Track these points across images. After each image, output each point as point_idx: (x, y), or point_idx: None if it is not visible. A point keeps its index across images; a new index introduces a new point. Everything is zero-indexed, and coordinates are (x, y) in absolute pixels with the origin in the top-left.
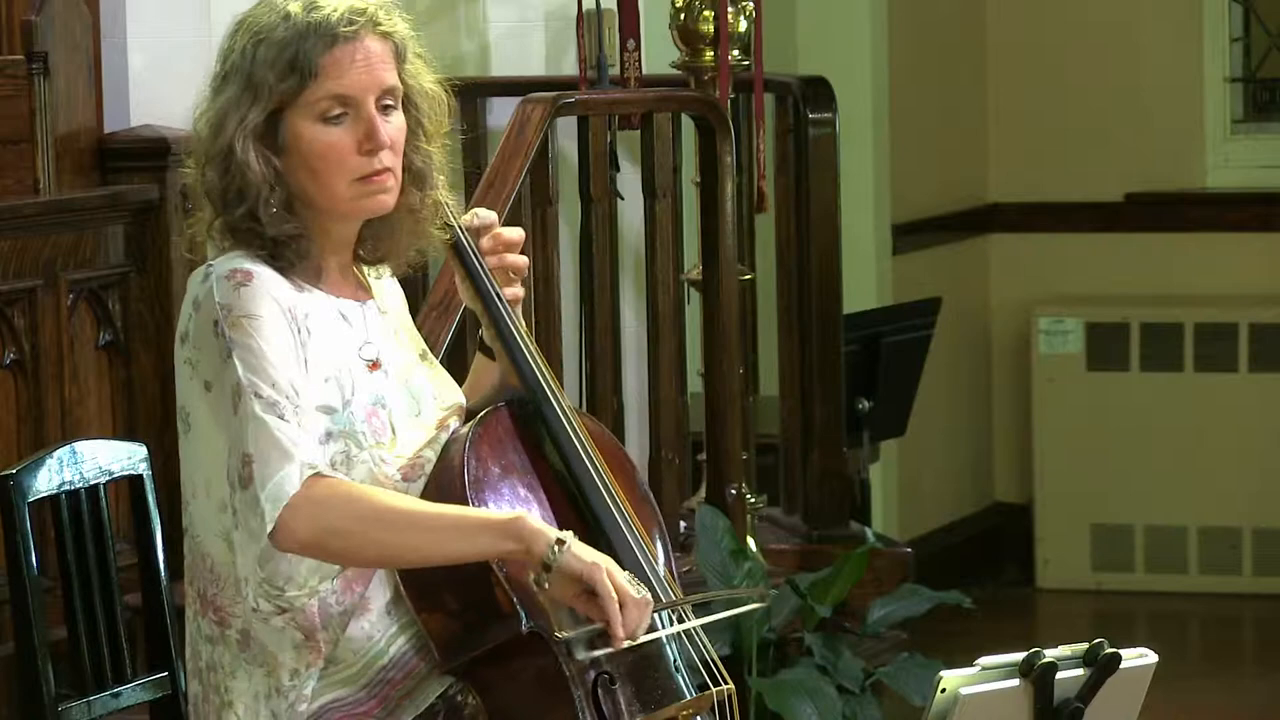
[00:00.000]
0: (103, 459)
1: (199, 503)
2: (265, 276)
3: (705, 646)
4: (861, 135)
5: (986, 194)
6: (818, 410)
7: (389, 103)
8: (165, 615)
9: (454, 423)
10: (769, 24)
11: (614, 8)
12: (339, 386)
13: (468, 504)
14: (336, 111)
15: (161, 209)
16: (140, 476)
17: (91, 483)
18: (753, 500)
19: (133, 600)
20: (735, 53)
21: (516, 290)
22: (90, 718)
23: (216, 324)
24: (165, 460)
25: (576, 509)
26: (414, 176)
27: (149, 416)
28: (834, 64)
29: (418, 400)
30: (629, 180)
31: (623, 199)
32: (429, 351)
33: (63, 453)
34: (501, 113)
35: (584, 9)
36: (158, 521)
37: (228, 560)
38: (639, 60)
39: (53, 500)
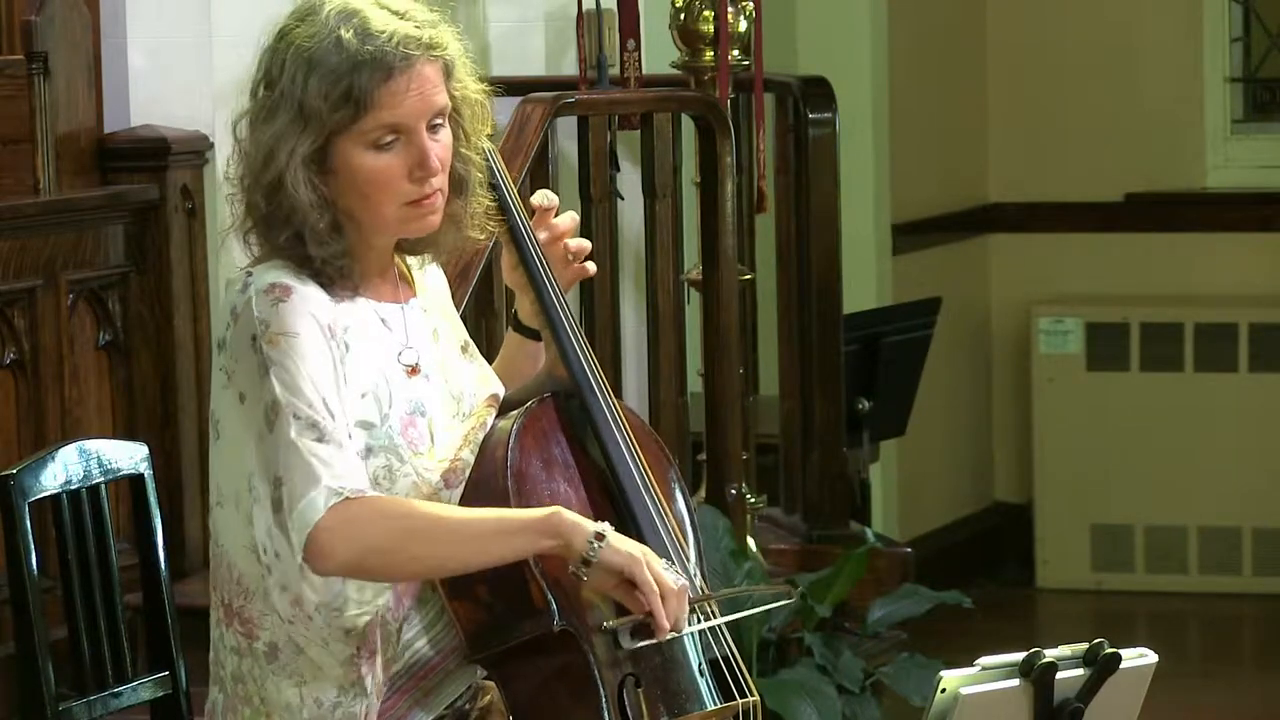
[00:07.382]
0: (103, 458)
1: (225, 512)
2: (304, 292)
3: (734, 656)
4: (861, 135)
5: (986, 194)
6: (818, 410)
7: (438, 122)
8: (166, 615)
9: (490, 417)
10: (769, 24)
11: (614, 8)
12: (376, 400)
13: (509, 495)
14: (388, 139)
15: (161, 209)
16: (141, 476)
17: (92, 482)
18: (753, 500)
19: (133, 600)
20: (735, 53)
21: (587, 266)
22: (90, 718)
23: (254, 339)
24: (165, 460)
25: (614, 506)
26: (456, 184)
27: (149, 416)
28: (834, 64)
29: (458, 401)
30: (629, 180)
31: (623, 199)
32: (471, 343)
33: (63, 452)
34: (501, 113)
35: (584, 9)
36: (158, 521)
37: (255, 573)
38: (639, 60)
39: (53, 500)
